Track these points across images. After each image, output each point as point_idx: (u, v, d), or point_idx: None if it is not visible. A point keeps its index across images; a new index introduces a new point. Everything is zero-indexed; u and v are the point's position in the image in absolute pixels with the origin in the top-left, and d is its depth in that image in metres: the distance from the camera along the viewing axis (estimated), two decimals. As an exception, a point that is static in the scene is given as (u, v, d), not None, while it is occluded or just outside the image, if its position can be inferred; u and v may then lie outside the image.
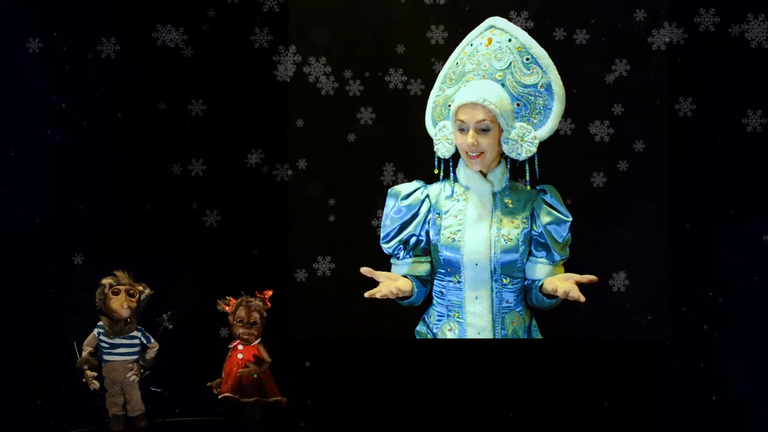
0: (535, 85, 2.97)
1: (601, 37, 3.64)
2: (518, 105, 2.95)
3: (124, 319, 3.19)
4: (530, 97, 2.96)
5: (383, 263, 3.12)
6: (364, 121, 3.72)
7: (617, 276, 3.65)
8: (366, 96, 3.71)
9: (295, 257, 3.72)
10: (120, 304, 3.18)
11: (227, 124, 3.69)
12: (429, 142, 3.09)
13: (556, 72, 2.97)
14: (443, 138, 3.03)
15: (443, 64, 3.13)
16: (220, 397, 3.20)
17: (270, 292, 3.29)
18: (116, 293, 3.19)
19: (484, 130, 2.89)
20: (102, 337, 3.21)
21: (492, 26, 3.04)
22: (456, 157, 3.05)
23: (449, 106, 3.00)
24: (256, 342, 3.25)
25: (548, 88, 2.97)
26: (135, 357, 3.24)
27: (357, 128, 3.73)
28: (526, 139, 2.93)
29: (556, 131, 3.01)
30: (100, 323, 3.21)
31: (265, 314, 3.27)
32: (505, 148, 2.95)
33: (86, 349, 3.21)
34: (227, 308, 3.25)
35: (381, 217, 3.10)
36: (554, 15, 3.65)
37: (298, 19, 3.70)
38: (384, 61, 3.71)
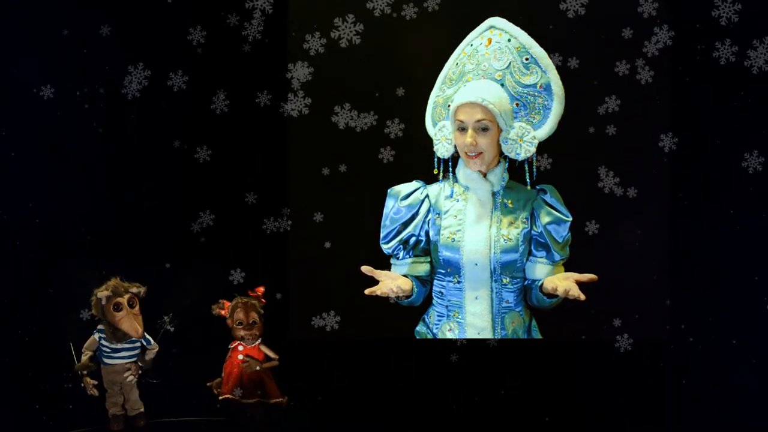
0: (534, 85, 2.97)
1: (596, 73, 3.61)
2: (517, 105, 2.96)
3: (138, 338, 3.20)
4: (529, 97, 2.97)
5: (384, 260, 3.13)
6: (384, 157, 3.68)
7: (617, 274, 3.65)
8: (371, 137, 3.67)
9: (296, 250, 3.70)
10: (133, 329, 3.17)
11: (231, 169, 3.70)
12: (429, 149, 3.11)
13: (555, 72, 2.98)
14: (443, 138, 3.03)
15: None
16: (221, 398, 3.20)
17: (262, 289, 3.28)
18: (118, 308, 3.17)
19: (483, 130, 2.90)
20: (104, 342, 3.20)
21: (492, 26, 3.04)
22: (455, 157, 3.05)
23: (449, 106, 3.00)
24: (257, 342, 3.25)
25: (547, 88, 2.97)
26: (135, 359, 3.24)
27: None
28: (525, 139, 2.93)
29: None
30: (100, 327, 3.20)
31: (262, 312, 3.26)
32: (504, 148, 2.95)
33: (86, 353, 3.20)
34: (223, 312, 3.25)
35: (381, 217, 3.10)
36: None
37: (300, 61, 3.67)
38: (387, 105, 3.66)
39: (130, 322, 3.17)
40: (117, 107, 3.63)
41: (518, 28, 3.01)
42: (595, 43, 3.55)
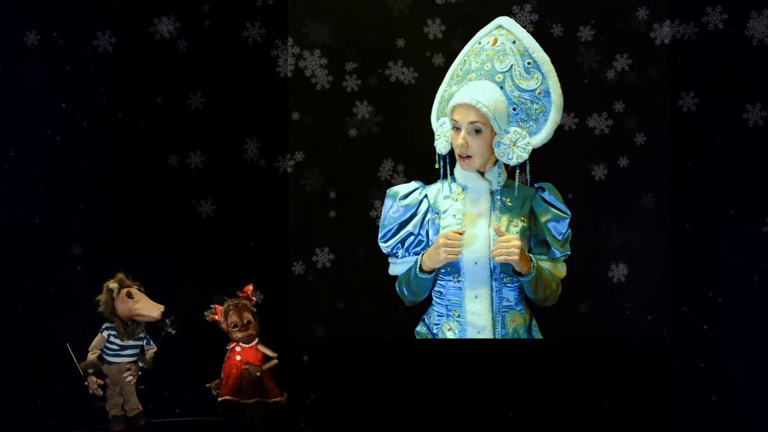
0: (533, 91, 2.95)
1: (603, 34, 3.62)
2: (515, 110, 2.94)
3: (155, 320, 3.18)
4: (527, 103, 2.95)
5: (382, 261, 3.14)
6: (362, 115, 3.71)
7: (617, 275, 3.65)
8: (364, 90, 3.70)
9: (295, 250, 3.70)
10: (154, 308, 3.15)
11: (226, 117, 3.69)
12: (427, 134, 3.10)
13: (556, 79, 2.95)
14: (441, 134, 3.04)
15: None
16: (220, 399, 3.20)
17: (251, 287, 3.28)
18: (131, 295, 3.16)
19: (476, 132, 2.90)
20: (113, 340, 3.19)
21: (500, 26, 3.03)
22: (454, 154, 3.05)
23: (450, 103, 3.01)
24: (255, 342, 3.25)
25: (546, 94, 2.95)
26: (134, 359, 3.23)
27: (355, 122, 3.71)
28: (518, 145, 2.92)
29: (558, 127, 3.00)
30: (109, 325, 3.19)
31: (255, 310, 3.25)
32: (497, 152, 2.93)
33: (94, 352, 3.18)
34: (216, 317, 3.24)
35: (379, 212, 3.10)
36: (556, 11, 3.62)
37: (297, 12, 3.68)
38: (383, 55, 3.70)
39: (147, 302, 3.16)
40: (118, 107, 3.64)
41: (524, 31, 2.99)
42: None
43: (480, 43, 3.04)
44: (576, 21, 3.60)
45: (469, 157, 2.92)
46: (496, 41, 3.00)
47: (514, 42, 2.98)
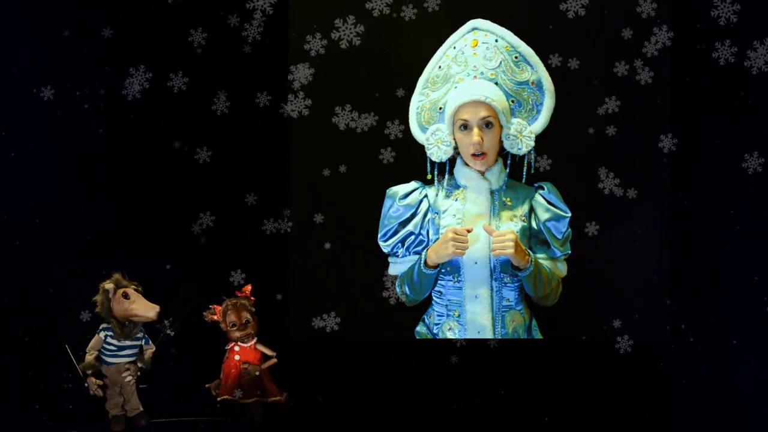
0: (527, 82, 3.01)
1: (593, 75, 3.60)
2: (513, 102, 2.99)
3: (150, 320, 3.18)
4: (524, 94, 3.02)
5: (382, 261, 3.14)
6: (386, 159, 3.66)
7: (617, 274, 3.65)
8: (381, 140, 3.65)
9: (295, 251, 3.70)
10: (149, 308, 3.16)
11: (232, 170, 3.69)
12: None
13: (543, 68, 3.04)
14: (437, 141, 3.02)
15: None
16: (219, 399, 3.20)
17: (249, 287, 3.29)
18: (127, 296, 3.17)
19: (488, 126, 2.92)
20: (110, 340, 3.19)
21: (475, 28, 3.06)
22: (451, 158, 3.04)
23: (440, 109, 3.01)
24: (253, 341, 3.25)
25: (539, 84, 3.02)
26: (134, 358, 3.24)
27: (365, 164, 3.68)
28: (524, 134, 2.98)
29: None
30: (106, 326, 3.19)
31: (253, 309, 3.26)
32: (506, 144, 2.97)
33: (92, 353, 3.19)
34: (215, 317, 3.25)
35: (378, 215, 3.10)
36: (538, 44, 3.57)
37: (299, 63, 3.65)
38: (395, 108, 3.65)
39: (143, 303, 3.17)
40: (117, 108, 3.64)
41: (503, 28, 3.05)
42: (595, 44, 3.56)
43: (455, 47, 3.06)
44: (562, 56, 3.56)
45: (483, 154, 2.94)
46: (476, 43, 3.03)
47: (496, 40, 3.03)
